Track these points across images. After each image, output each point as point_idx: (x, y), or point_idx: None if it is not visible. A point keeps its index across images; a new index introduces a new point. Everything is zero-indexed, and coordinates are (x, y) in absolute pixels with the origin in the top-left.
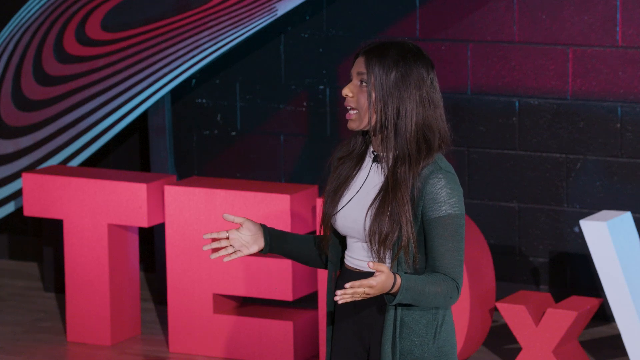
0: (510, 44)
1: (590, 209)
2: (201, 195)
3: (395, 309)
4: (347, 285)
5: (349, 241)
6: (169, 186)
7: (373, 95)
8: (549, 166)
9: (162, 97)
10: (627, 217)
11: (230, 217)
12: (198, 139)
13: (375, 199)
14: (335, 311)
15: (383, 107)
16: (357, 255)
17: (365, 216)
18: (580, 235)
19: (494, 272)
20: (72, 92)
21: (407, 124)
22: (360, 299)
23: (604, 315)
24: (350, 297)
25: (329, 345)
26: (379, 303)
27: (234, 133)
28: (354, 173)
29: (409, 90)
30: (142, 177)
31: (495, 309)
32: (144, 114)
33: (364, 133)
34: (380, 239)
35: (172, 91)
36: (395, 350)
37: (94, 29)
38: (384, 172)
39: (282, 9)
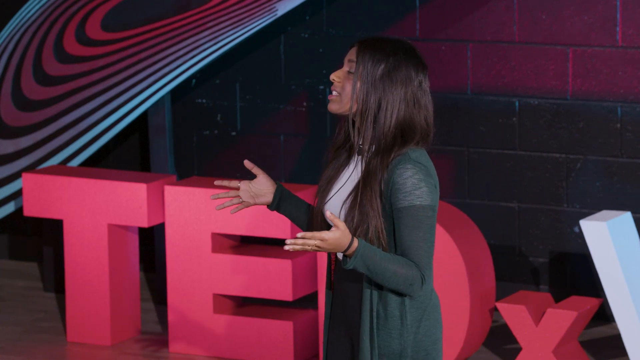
0: (510, 44)
1: (590, 209)
2: (201, 195)
3: (371, 302)
4: (299, 234)
5: None
6: (169, 186)
7: (357, 84)
8: (549, 166)
9: (162, 97)
10: (627, 217)
11: (250, 165)
12: (198, 139)
13: (351, 191)
14: (332, 305)
15: (365, 98)
16: None
17: (341, 209)
18: (580, 235)
19: (494, 272)
20: (72, 92)
21: (386, 118)
22: (311, 250)
23: (604, 315)
24: (300, 247)
25: (325, 334)
26: (361, 296)
27: (234, 133)
28: (344, 166)
29: (394, 85)
30: (142, 177)
31: (495, 309)
32: (144, 114)
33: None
34: (350, 230)
35: (172, 91)
36: (374, 343)
37: (94, 29)
38: (363, 165)
39: (282, 9)
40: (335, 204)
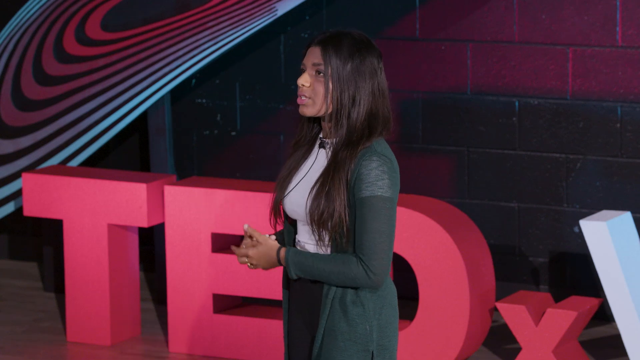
0: (510, 44)
1: (590, 209)
2: (201, 195)
3: (328, 293)
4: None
5: (298, 225)
6: (169, 186)
7: (330, 85)
8: (549, 166)
9: (162, 97)
10: (627, 217)
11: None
12: (198, 139)
13: (317, 181)
14: (290, 291)
15: (339, 97)
16: (303, 238)
17: (307, 198)
18: (580, 235)
19: (494, 272)
20: (72, 92)
21: (359, 112)
22: (251, 267)
23: (604, 315)
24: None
25: (285, 330)
26: (318, 286)
27: (234, 133)
28: (303, 160)
29: (364, 80)
30: (142, 177)
31: (495, 309)
32: (144, 114)
33: (316, 120)
34: (317, 218)
35: (172, 91)
36: (334, 329)
37: (94, 29)
38: (328, 156)
39: (282, 9)
40: (298, 194)
